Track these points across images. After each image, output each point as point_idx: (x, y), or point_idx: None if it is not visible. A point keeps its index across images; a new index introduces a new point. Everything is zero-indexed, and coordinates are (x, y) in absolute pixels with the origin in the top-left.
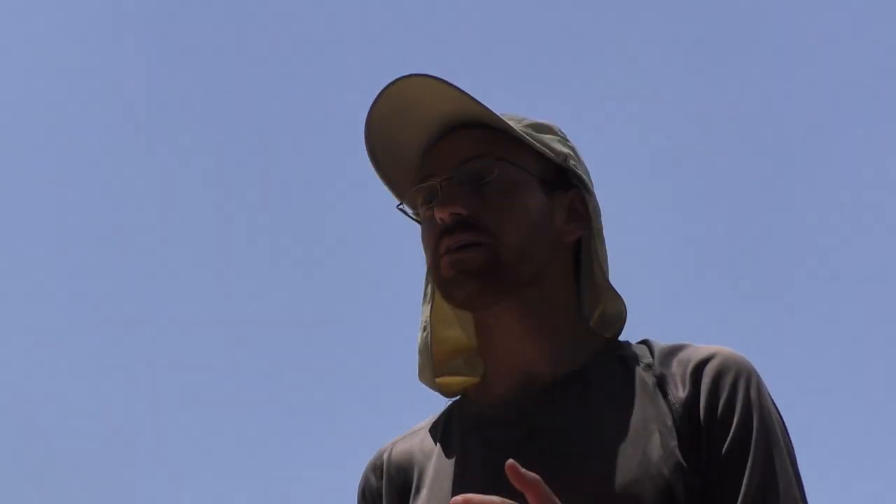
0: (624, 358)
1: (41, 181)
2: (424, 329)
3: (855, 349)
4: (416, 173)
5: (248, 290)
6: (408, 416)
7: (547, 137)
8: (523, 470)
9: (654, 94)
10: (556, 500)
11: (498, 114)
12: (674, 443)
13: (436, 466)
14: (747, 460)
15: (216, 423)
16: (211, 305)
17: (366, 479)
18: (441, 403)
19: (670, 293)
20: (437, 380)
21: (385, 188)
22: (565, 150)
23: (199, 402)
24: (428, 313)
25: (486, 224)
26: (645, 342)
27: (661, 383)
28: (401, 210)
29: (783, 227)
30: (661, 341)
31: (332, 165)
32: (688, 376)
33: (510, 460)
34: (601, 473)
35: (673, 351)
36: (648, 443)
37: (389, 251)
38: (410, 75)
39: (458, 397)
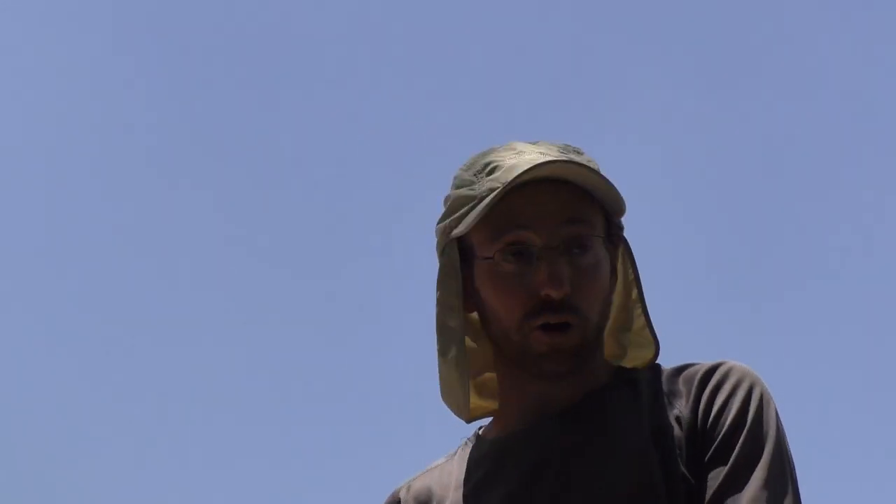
0: (634, 381)
1: (46, 184)
2: (458, 366)
3: (866, 356)
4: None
5: (254, 289)
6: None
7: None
8: None
9: (665, 111)
10: None
11: (562, 149)
12: (677, 452)
13: (453, 499)
14: (730, 459)
15: (224, 422)
16: (217, 305)
17: None
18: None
19: (681, 304)
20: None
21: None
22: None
23: (205, 403)
24: (463, 352)
25: (580, 303)
26: (656, 366)
27: (669, 399)
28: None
29: (793, 241)
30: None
31: (345, 164)
32: (693, 388)
33: None
34: (607, 491)
35: (680, 369)
36: (654, 458)
37: (399, 252)
38: (572, 163)
39: (477, 428)
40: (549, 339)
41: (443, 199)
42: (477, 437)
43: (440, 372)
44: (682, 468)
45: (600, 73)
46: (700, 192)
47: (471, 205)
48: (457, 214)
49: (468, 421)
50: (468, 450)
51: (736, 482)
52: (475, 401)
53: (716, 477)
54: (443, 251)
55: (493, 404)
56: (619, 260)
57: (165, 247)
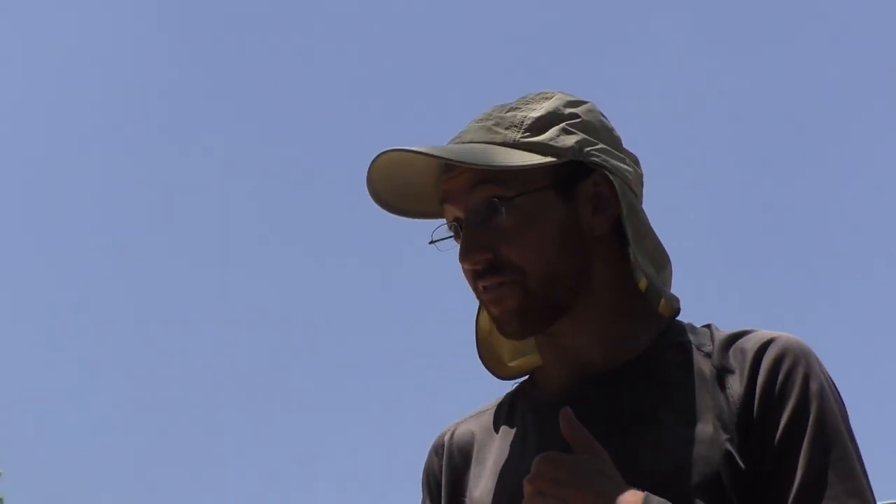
0: (683, 344)
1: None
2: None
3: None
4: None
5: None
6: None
7: (549, 135)
8: (570, 415)
9: (690, 80)
10: (601, 451)
11: (494, 112)
12: (726, 435)
13: (496, 448)
14: (800, 451)
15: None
16: (230, 304)
17: (429, 459)
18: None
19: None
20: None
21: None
22: (573, 139)
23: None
24: (476, 316)
25: (511, 261)
26: (708, 327)
27: (720, 374)
28: (433, 244)
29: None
30: (723, 328)
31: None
32: (746, 368)
33: (565, 407)
34: (653, 456)
35: (733, 339)
36: (702, 431)
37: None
38: (398, 149)
39: (524, 378)
40: (489, 299)
41: None
42: (522, 387)
43: None
44: (731, 450)
45: (622, 27)
46: (716, 149)
47: None
48: None
49: (499, 376)
50: (517, 399)
51: (809, 478)
52: (526, 359)
53: (785, 472)
54: None
55: (537, 360)
56: (619, 191)
57: (169, 244)
